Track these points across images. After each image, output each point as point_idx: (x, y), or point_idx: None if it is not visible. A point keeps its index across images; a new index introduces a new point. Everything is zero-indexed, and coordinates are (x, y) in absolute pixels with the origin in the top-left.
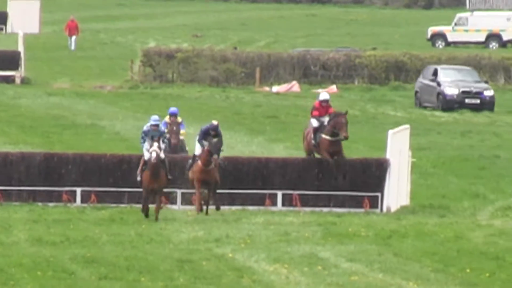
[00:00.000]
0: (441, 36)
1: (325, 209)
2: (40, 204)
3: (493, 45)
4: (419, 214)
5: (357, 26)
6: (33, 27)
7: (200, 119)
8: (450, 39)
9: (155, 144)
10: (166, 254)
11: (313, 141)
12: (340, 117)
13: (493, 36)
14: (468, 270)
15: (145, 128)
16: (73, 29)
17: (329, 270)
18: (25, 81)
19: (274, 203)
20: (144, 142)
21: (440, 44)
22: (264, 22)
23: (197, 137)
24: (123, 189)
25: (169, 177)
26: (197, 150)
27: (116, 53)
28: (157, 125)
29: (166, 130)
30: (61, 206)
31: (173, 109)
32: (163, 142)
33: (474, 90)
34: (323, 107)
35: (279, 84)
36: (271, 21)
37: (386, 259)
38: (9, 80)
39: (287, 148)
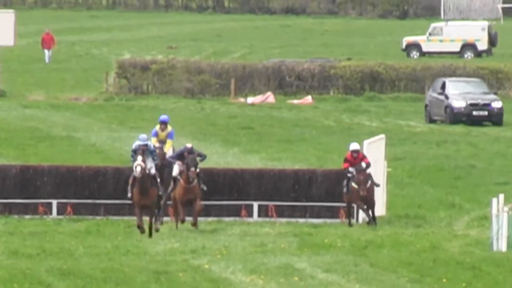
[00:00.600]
0: (416, 46)
1: (301, 220)
2: (16, 216)
3: (468, 55)
4: (395, 224)
5: (332, 36)
6: (8, 40)
7: (176, 131)
8: (424, 49)
9: (139, 158)
10: (143, 265)
11: (344, 189)
12: (359, 174)
13: (467, 46)
14: (444, 280)
15: (133, 146)
16: (48, 42)
17: (305, 281)
18: (0, 94)
19: (250, 214)
20: (133, 160)
21: (414, 54)
22: (238, 33)
23: (173, 159)
24: (99, 201)
25: (160, 193)
26: (175, 171)
27: (91, 65)
28: (145, 145)
29: (155, 144)
30: (37, 218)
31: (164, 117)
32: (154, 160)
33: (482, 102)
34: (355, 158)
35: (254, 95)
36: (246, 32)
37: (362, 270)
38: None
39: (263, 159)
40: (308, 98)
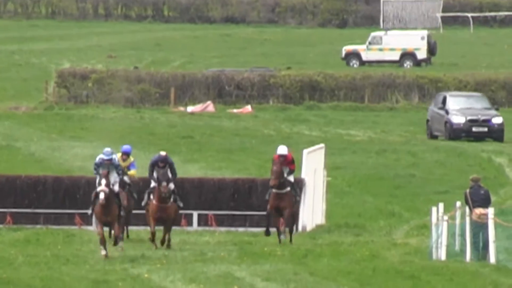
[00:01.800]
0: (356, 55)
1: (241, 229)
2: None
3: (408, 64)
4: (335, 233)
5: (272, 45)
6: None
7: (115, 140)
8: (364, 58)
9: (103, 181)
10: (82, 275)
11: (267, 196)
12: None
13: (407, 55)
14: None
15: (97, 160)
16: None
17: None
18: None
19: (190, 223)
20: (97, 173)
21: (354, 63)
22: (178, 43)
23: (148, 172)
24: (39, 210)
25: (122, 213)
26: (152, 183)
27: (31, 74)
28: (110, 159)
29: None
30: None
31: (126, 147)
32: (118, 174)
33: (482, 117)
34: (281, 162)
35: (194, 104)
36: (186, 41)
37: (302, 279)
38: None
39: (202, 168)
40: (248, 108)
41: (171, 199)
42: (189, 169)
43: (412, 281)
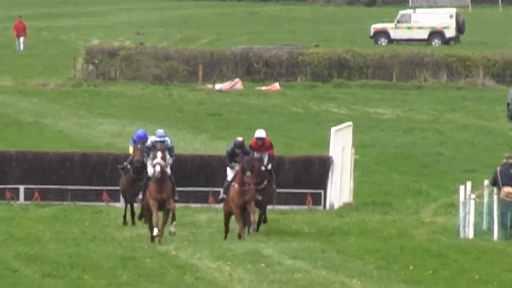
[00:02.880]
0: (384, 33)
1: (268, 207)
2: None
3: (436, 42)
4: (362, 211)
5: (300, 23)
6: None
7: (143, 117)
8: (393, 36)
9: (159, 154)
10: (110, 251)
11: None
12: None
13: (435, 34)
14: (411, 267)
15: (149, 143)
16: (21, 30)
17: (272, 267)
18: None
19: (218, 201)
20: (148, 156)
21: (382, 41)
22: (206, 20)
23: (226, 161)
24: (67, 187)
25: (176, 198)
26: (229, 175)
27: (59, 51)
28: (163, 142)
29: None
30: (4, 204)
31: (140, 132)
32: (171, 156)
33: None
34: (260, 146)
35: (222, 81)
36: (214, 18)
37: (329, 256)
38: None
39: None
40: (276, 85)
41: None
42: (217, 147)
43: (439, 259)
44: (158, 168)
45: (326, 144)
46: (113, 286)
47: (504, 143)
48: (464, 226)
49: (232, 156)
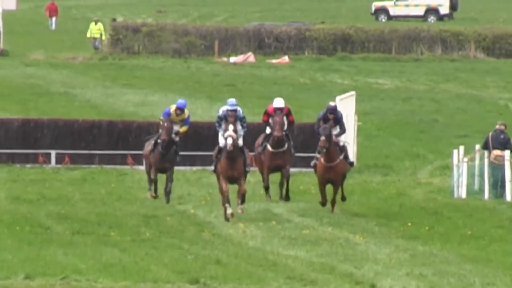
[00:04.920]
0: (384, 10)
1: None
2: (18, 165)
3: (431, 18)
4: (365, 173)
5: (306, 2)
6: (11, 4)
7: (164, 88)
8: (392, 13)
9: (230, 127)
10: (134, 210)
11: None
12: (275, 116)
13: (431, 11)
14: (409, 224)
15: (220, 112)
16: (53, 11)
17: (282, 225)
18: (3, 53)
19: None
20: (220, 127)
21: (382, 18)
22: None
23: (315, 126)
24: (94, 152)
25: (247, 169)
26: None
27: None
28: (234, 110)
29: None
30: (37, 167)
31: (181, 101)
32: (243, 127)
33: None
34: (277, 116)
35: (236, 55)
36: None
37: (334, 215)
38: None
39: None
40: (285, 58)
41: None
42: None
43: (435, 216)
44: (230, 140)
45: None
46: (137, 242)
47: (494, 110)
48: (457, 187)
49: (324, 121)
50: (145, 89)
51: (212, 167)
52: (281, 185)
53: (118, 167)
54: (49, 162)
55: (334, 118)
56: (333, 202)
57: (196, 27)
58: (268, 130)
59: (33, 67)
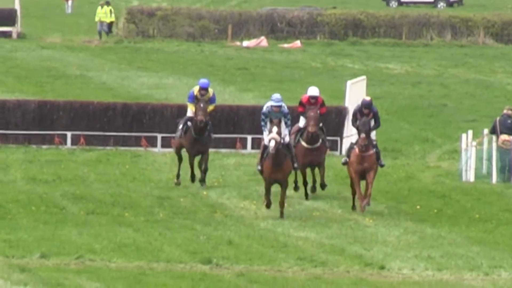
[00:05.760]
0: None
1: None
2: (34, 146)
3: (441, 5)
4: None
5: None
6: None
7: (178, 71)
8: None
9: (274, 129)
10: (147, 191)
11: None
12: (310, 111)
13: None
14: (418, 207)
15: (264, 108)
16: None
17: (293, 207)
18: (21, 36)
19: (244, 146)
20: (264, 124)
21: (393, 3)
22: None
23: (351, 122)
24: (109, 133)
25: (295, 165)
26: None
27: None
28: (279, 106)
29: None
30: (53, 148)
31: (204, 81)
32: (287, 125)
33: None
34: (311, 104)
35: (249, 39)
36: None
37: (344, 197)
38: (7, 35)
39: (256, 97)
40: (297, 43)
41: (373, 150)
42: (244, 98)
43: (444, 200)
44: (272, 143)
45: (342, 96)
46: (150, 223)
47: (502, 95)
48: (465, 170)
49: (357, 115)
50: (160, 72)
51: (258, 167)
52: (313, 181)
53: (132, 148)
54: (65, 143)
55: (369, 112)
56: (367, 194)
57: (210, 11)
58: (301, 122)
59: (50, 50)
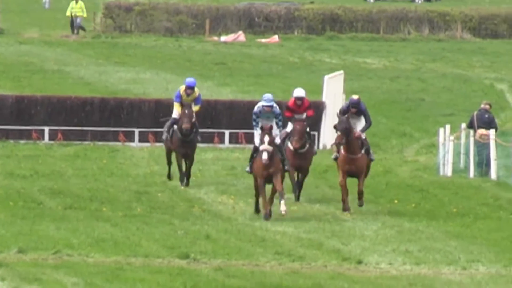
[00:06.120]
0: None
1: None
2: (12, 141)
3: None
4: None
5: None
6: None
7: (156, 66)
8: None
9: (266, 138)
10: (125, 186)
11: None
12: (296, 123)
13: None
14: (396, 201)
15: (256, 109)
16: None
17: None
18: None
19: (222, 141)
20: (256, 124)
21: None
22: None
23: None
24: (87, 128)
25: (286, 167)
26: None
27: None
28: (270, 106)
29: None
30: (31, 143)
31: (190, 80)
32: (278, 126)
33: None
34: (298, 107)
35: (226, 34)
36: None
37: (322, 191)
38: None
39: (234, 92)
40: (275, 37)
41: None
42: (221, 92)
43: (421, 194)
44: (265, 155)
45: (319, 90)
46: (128, 218)
47: (479, 90)
48: (443, 165)
49: (345, 114)
50: (137, 67)
51: (248, 168)
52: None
53: (110, 143)
54: (43, 138)
55: (357, 111)
56: (360, 194)
57: (187, 6)
58: (289, 128)
59: (28, 45)
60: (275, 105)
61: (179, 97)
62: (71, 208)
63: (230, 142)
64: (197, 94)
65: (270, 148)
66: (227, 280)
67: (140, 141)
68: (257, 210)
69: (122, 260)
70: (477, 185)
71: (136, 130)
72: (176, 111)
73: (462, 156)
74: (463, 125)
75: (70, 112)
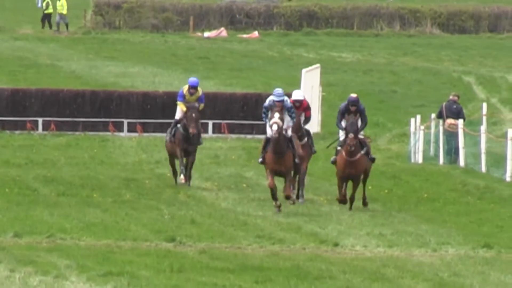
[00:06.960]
0: None
1: (249, 136)
2: (7, 132)
3: None
4: (328, 139)
5: None
6: None
7: (143, 60)
8: None
9: (276, 114)
10: (115, 174)
11: None
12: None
13: None
14: (370, 187)
15: (266, 103)
16: None
17: (252, 188)
18: None
19: (206, 131)
20: (266, 117)
21: None
22: None
23: (336, 121)
24: (78, 119)
25: (296, 160)
26: (341, 136)
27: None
28: (281, 101)
29: (184, 102)
30: (26, 133)
31: (193, 80)
32: (291, 118)
33: None
34: (297, 108)
35: (209, 30)
36: None
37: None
38: None
39: (217, 84)
40: (255, 33)
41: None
42: (205, 85)
43: (394, 180)
44: (275, 127)
45: (298, 83)
46: (118, 203)
47: (448, 82)
48: (414, 153)
49: (343, 114)
50: (126, 61)
51: (260, 159)
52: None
53: (100, 133)
54: (37, 129)
55: (356, 110)
56: (352, 200)
57: (173, 4)
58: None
59: (22, 41)
60: (286, 98)
61: (183, 96)
62: (64, 194)
63: (213, 132)
64: (200, 93)
65: (280, 122)
66: (211, 262)
67: (128, 131)
68: (277, 206)
69: (112, 244)
70: (446, 172)
71: (125, 121)
72: (180, 110)
73: (432, 145)
74: (433, 115)
75: (62, 104)
